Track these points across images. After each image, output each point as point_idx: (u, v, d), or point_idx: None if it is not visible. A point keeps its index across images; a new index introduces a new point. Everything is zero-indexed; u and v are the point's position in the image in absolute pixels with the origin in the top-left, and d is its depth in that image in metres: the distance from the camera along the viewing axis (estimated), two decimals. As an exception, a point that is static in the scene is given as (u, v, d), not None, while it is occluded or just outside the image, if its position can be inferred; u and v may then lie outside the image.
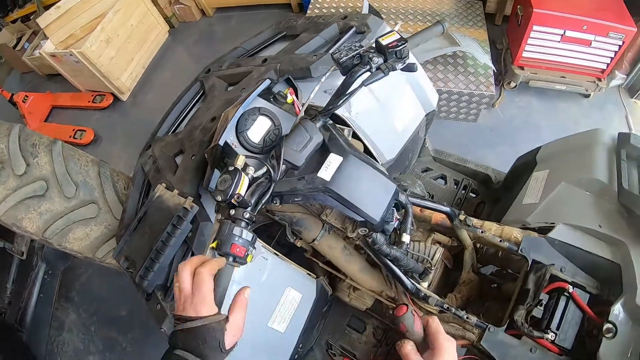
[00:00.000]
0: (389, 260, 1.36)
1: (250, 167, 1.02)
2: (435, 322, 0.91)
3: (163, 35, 4.58)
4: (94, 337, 2.92)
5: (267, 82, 1.30)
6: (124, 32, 4.00)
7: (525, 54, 3.00)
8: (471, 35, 3.19)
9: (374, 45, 1.20)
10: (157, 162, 1.68)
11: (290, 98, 1.37)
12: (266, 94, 1.36)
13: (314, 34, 1.79)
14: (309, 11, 3.68)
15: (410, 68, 1.25)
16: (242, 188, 0.93)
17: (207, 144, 1.46)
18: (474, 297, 1.62)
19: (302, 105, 1.33)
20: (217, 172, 1.33)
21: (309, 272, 1.68)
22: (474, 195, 2.32)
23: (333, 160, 1.19)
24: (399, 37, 1.19)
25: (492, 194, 2.24)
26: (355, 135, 1.60)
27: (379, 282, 1.60)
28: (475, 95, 2.90)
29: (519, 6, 3.00)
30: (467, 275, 1.61)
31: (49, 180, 1.87)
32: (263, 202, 1.01)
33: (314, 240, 1.53)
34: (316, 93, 1.27)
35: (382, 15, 3.39)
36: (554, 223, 1.44)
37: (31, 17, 4.91)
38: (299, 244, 1.64)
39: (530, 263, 1.37)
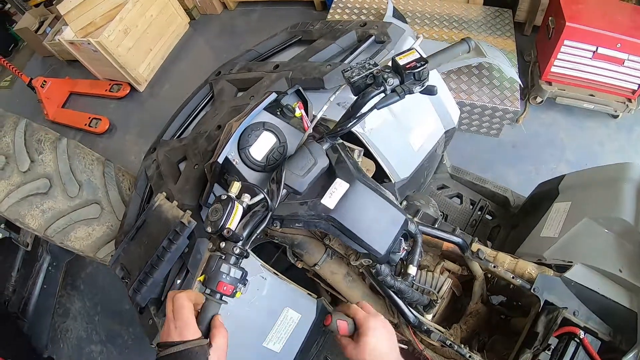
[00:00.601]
0: (393, 292, 1.29)
1: (246, 195, 0.96)
2: (352, 308, 0.99)
3: (183, 27, 4.53)
4: (97, 327, 2.95)
5: (273, 96, 1.22)
6: (143, 22, 3.97)
7: (554, 69, 2.85)
8: (499, 45, 3.06)
9: (389, 63, 1.11)
10: (160, 168, 1.64)
11: (298, 112, 1.29)
12: (273, 106, 1.29)
13: (330, 41, 1.71)
14: (331, 10, 3.58)
15: (429, 91, 1.15)
16: (234, 221, 0.86)
17: (210, 154, 1.41)
18: (480, 328, 1.55)
19: (312, 120, 1.26)
20: (216, 187, 1.28)
21: (309, 292, 1.62)
22: (490, 218, 2.22)
23: (339, 187, 1.12)
24: (418, 56, 1.09)
25: (510, 219, 2.14)
26: (367, 153, 1.52)
27: (381, 309, 1.53)
28: (499, 110, 2.78)
29: (550, 18, 2.84)
30: (475, 306, 1.53)
31: (52, 179, 1.85)
32: (258, 232, 0.94)
33: (315, 264, 1.46)
34: (329, 106, 1.20)
35: (407, 20, 3.29)
36: (571, 262, 1.36)
37: (53, 2, 4.92)
38: (299, 265, 1.57)
39: (542, 304, 1.29)
